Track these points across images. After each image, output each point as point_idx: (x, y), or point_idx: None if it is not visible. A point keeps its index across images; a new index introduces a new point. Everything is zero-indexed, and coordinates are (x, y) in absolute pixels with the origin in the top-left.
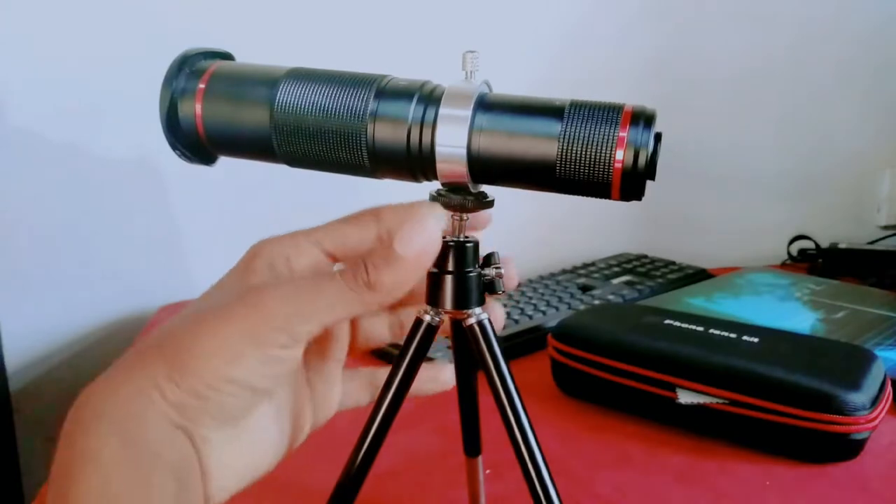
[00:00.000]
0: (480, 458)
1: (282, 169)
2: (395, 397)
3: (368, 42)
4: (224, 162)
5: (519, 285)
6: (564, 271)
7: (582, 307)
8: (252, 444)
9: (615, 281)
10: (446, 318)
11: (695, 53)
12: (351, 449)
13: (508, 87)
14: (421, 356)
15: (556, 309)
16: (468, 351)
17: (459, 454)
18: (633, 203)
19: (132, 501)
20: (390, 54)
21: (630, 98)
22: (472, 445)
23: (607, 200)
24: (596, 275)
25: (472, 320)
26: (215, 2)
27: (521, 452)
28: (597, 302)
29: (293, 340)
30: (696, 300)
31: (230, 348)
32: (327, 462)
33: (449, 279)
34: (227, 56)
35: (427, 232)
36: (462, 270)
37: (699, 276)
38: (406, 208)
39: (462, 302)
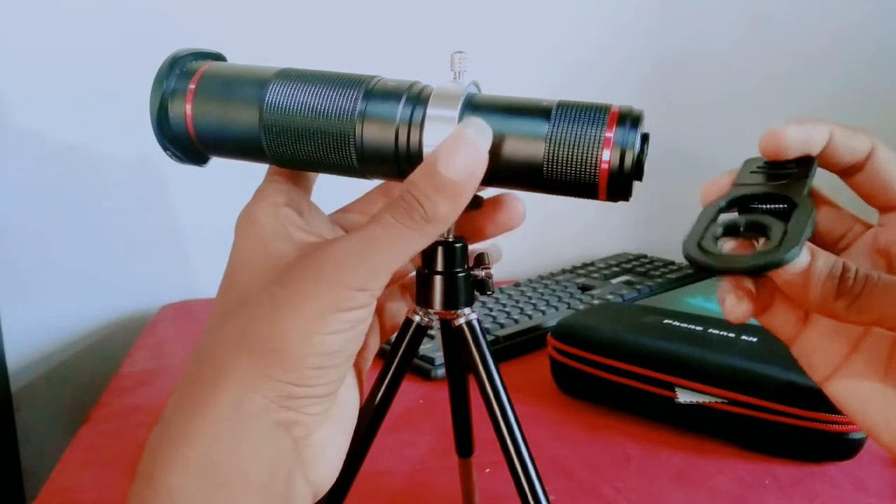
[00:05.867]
0: (473, 459)
1: None
2: (385, 396)
3: (360, 43)
4: (224, 162)
5: (518, 285)
6: (564, 271)
7: (581, 307)
8: (341, 404)
9: (614, 281)
10: (436, 318)
11: (697, 55)
12: None
13: (506, 87)
14: (410, 356)
15: (556, 309)
16: (458, 351)
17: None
18: (633, 203)
19: None
20: (382, 55)
21: (633, 100)
22: (464, 445)
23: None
24: (595, 274)
25: (461, 320)
26: (209, 3)
27: (508, 450)
28: (596, 302)
29: (371, 296)
30: (695, 300)
31: (323, 323)
32: None
33: (438, 279)
34: (218, 57)
35: (467, 143)
36: (451, 271)
37: (698, 275)
38: None
39: (451, 302)
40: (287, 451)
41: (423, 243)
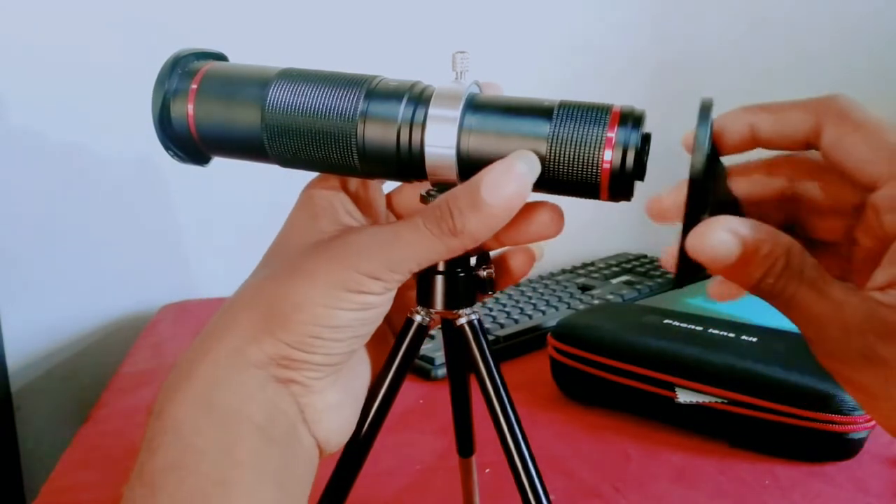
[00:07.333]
0: (474, 458)
1: (282, 169)
2: (386, 397)
3: (361, 43)
4: (225, 162)
5: (518, 285)
6: (564, 271)
7: (581, 307)
8: (351, 377)
9: (615, 281)
10: (437, 317)
11: (698, 56)
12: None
13: (507, 87)
14: (412, 356)
15: (556, 309)
16: (459, 351)
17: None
18: (633, 202)
19: (211, 468)
20: (384, 55)
21: (634, 100)
22: (464, 445)
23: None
24: (595, 275)
25: (462, 320)
26: (211, 3)
27: (509, 450)
28: (596, 302)
29: (384, 287)
30: (695, 300)
31: (330, 297)
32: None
33: (439, 279)
34: (219, 56)
35: (516, 177)
36: (452, 270)
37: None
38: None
39: (452, 302)
40: (285, 401)
41: (444, 255)
